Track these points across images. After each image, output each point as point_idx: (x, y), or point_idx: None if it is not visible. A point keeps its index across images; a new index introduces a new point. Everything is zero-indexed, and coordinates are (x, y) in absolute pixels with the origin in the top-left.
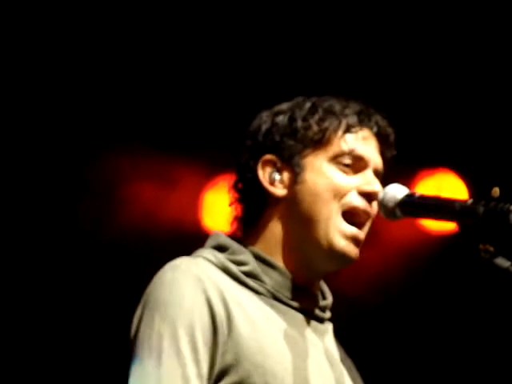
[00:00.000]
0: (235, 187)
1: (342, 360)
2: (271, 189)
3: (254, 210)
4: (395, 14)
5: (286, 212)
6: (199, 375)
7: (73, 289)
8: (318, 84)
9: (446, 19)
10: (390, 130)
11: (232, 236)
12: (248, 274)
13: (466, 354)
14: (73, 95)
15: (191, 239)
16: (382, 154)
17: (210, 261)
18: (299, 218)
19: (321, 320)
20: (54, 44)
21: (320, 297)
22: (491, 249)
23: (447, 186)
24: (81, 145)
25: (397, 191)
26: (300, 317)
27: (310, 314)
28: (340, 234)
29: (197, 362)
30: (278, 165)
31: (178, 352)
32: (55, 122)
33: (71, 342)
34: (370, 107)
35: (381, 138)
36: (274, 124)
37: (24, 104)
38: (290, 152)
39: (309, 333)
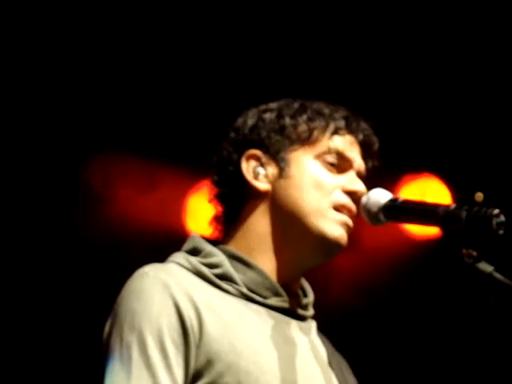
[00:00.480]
0: (215, 182)
1: (330, 355)
2: (255, 183)
3: (235, 205)
4: (377, 20)
5: (270, 207)
6: (172, 380)
7: (51, 286)
8: (300, 90)
9: (428, 28)
10: (374, 140)
11: (209, 238)
12: (221, 277)
13: (449, 356)
14: (57, 100)
15: (175, 243)
16: (365, 161)
17: (182, 265)
18: (285, 212)
19: (303, 318)
20: (42, 50)
21: (301, 294)
22: (474, 253)
23: (431, 190)
24: (66, 148)
25: (380, 196)
26: (278, 316)
27: (289, 312)
28: (333, 223)
29: (168, 367)
30: (263, 160)
31: (148, 361)
32: (40, 124)
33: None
34: (356, 115)
35: (365, 146)
36: (260, 120)
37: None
38: (276, 147)
39: (288, 331)
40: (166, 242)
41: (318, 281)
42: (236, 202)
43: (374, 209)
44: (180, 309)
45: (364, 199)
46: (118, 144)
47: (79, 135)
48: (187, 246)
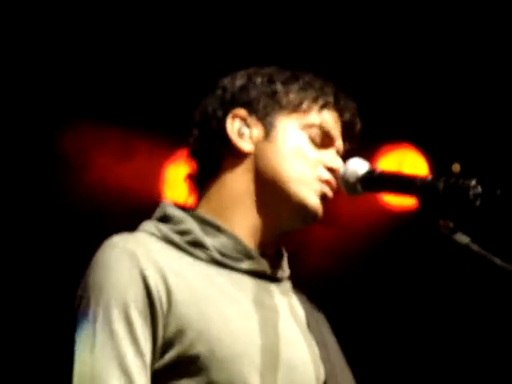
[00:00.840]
0: (195, 138)
1: (308, 315)
2: (238, 142)
3: (212, 162)
4: None
5: (250, 168)
6: (138, 352)
7: (30, 255)
8: (281, 59)
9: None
10: (358, 121)
11: (181, 205)
12: (191, 243)
13: (425, 323)
14: (31, 66)
15: (153, 211)
16: (344, 142)
17: (152, 234)
18: (265, 175)
19: (279, 280)
20: (16, 15)
21: (275, 256)
22: (451, 225)
23: (408, 161)
24: (41, 116)
25: (358, 166)
26: (252, 280)
27: (264, 275)
28: (314, 193)
29: (134, 340)
30: (249, 120)
31: (112, 333)
32: (14, 90)
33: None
34: (345, 93)
35: (348, 126)
36: (251, 81)
37: None
38: (264, 110)
39: (263, 295)
40: (143, 210)
41: (294, 249)
42: (214, 159)
43: (352, 179)
44: (147, 280)
45: (341, 170)
46: (94, 111)
47: (54, 102)
48: (157, 213)
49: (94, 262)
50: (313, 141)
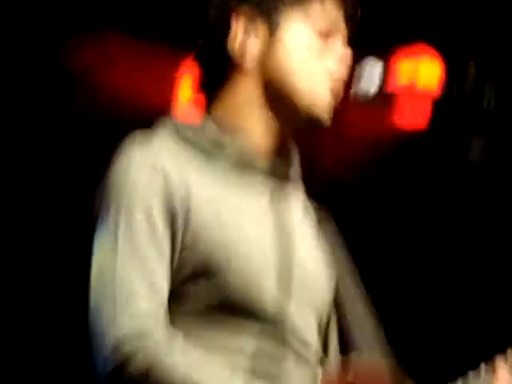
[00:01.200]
0: (201, 44)
1: (316, 215)
2: (244, 43)
3: (220, 69)
4: None
5: (259, 71)
6: (160, 256)
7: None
8: None
9: None
10: (359, 6)
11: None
12: (210, 144)
13: (433, 232)
14: None
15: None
16: (347, 27)
17: (171, 133)
18: (275, 75)
19: (290, 179)
20: None
21: (288, 155)
22: (466, 129)
23: (424, 63)
24: (56, 31)
25: (373, 67)
26: (267, 180)
27: (278, 175)
28: (325, 93)
29: (156, 244)
30: (253, 20)
31: (134, 235)
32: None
33: None
34: None
35: (350, 12)
36: None
37: None
38: (268, 7)
39: (276, 196)
40: (155, 121)
41: (306, 153)
42: (221, 65)
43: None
44: (169, 181)
45: (357, 76)
46: (107, 23)
47: (68, 18)
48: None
49: (113, 165)
50: (319, 33)
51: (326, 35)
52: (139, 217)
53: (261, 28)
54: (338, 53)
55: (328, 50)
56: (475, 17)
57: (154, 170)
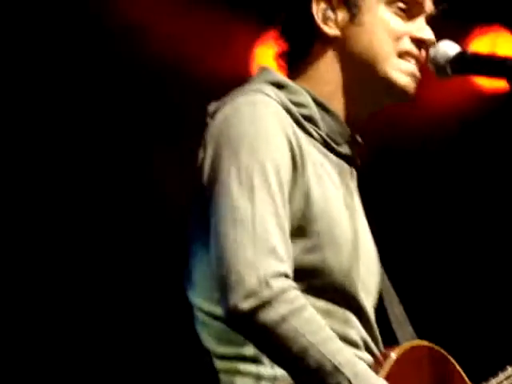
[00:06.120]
0: (282, 20)
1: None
2: (324, 27)
3: (302, 44)
4: None
5: (340, 53)
6: (285, 213)
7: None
8: None
9: None
10: None
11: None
12: (306, 118)
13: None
14: None
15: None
16: (434, 4)
17: (271, 98)
18: (355, 59)
19: (356, 165)
20: None
21: (357, 140)
22: None
23: (501, 43)
24: None
25: (448, 48)
26: (345, 166)
27: (352, 160)
28: (399, 72)
29: (283, 198)
30: (334, 2)
31: (269, 187)
32: None
33: None
34: None
35: None
36: None
37: None
38: None
39: (349, 181)
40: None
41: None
42: (303, 41)
43: (442, 61)
44: (292, 143)
45: (432, 52)
46: None
47: None
48: (266, 77)
49: (234, 117)
50: (400, 13)
51: (407, 15)
52: (272, 172)
53: (341, 10)
54: (417, 33)
55: (408, 30)
56: None
57: (281, 132)
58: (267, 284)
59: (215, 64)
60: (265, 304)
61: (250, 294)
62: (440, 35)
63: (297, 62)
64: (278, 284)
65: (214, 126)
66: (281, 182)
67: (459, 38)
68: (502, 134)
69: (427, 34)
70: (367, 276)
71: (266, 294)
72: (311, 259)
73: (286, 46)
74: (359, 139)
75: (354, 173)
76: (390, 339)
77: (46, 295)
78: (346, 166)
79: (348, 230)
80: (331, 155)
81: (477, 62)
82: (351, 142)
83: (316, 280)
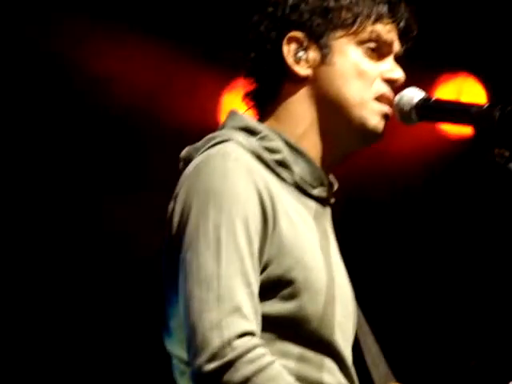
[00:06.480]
0: (251, 59)
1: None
2: (296, 67)
3: (272, 84)
4: None
5: (311, 93)
6: (254, 269)
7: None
8: None
9: None
10: (414, 28)
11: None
12: (279, 163)
13: (477, 249)
14: None
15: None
16: (401, 45)
17: (243, 146)
18: (327, 100)
19: (330, 205)
20: None
21: (332, 182)
22: (506, 153)
23: (467, 90)
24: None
25: (413, 95)
26: (318, 207)
27: (325, 201)
28: (374, 114)
29: (251, 255)
30: (305, 44)
31: (236, 244)
32: None
33: None
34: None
35: (404, 33)
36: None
37: None
38: (319, 31)
39: (323, 223)
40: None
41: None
42: (273, 81)
43: (407, 107)
44: (262, 197)
45: (397, 98)
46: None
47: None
48: (237, 122)
49: (206, 170)
50: (370, 53)
51: (377, 55)
52: (240, 226)
53: (312, 51)
54: (388, 73)
55: (378, 70)
56: None
57: (250, 183)
58: (230, 345)
59: (182, 113)
60: (228, 366)
61: (213, 356)
62: (407, 81)
63: (266, 103)
64: (242, 344)
65: (186, 177)
66: (250, 238)
67: (426, 83)
68: (468, 178)
69: (398, 74)
70: (344, 319)
71: (229, 355)
72: (288, 307)
73: (254, 86)
74: (333, 179)
75: (329, 211)
76: (365, 380)
77: None
78: (320, 208)
79: (323, 276)
80: (305, 199)
81: (441, 109)
82: (325, 183)
83: (293, 327)
